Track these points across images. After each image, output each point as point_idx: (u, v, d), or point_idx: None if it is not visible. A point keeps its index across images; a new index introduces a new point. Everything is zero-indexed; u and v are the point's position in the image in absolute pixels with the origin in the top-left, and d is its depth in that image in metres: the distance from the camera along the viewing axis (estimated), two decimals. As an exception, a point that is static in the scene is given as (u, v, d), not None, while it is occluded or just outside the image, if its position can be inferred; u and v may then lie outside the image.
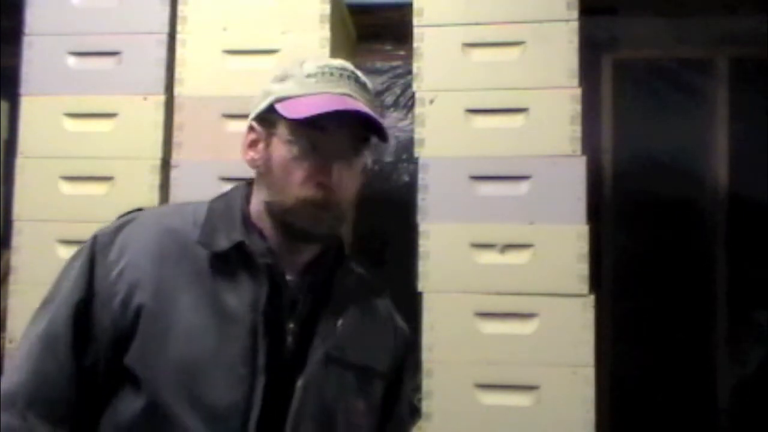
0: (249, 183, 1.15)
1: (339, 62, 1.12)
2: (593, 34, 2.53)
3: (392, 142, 2.97)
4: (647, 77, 2.85)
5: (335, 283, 1.12)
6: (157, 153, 2.11)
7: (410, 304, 2.04)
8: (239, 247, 1.06)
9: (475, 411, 1.93)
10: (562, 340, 1.93)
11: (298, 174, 1.06)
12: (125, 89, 2.14)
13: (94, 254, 1.06)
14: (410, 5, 2.11)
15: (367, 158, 1.12)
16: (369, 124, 1.08)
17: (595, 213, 2.18)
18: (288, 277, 1.08)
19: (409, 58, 2.17)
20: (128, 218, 1.10)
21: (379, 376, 1.15)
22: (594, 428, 1.89)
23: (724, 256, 2.74)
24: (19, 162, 2.16)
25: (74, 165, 2.14)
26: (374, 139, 1.11)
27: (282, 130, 1.08)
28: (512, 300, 1.96)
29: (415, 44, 2.09)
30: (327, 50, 2.09)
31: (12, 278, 2.11)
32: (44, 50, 2.19)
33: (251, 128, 1.13)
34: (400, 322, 1.25)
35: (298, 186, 1.06)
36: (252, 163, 1.12)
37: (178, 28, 2.15)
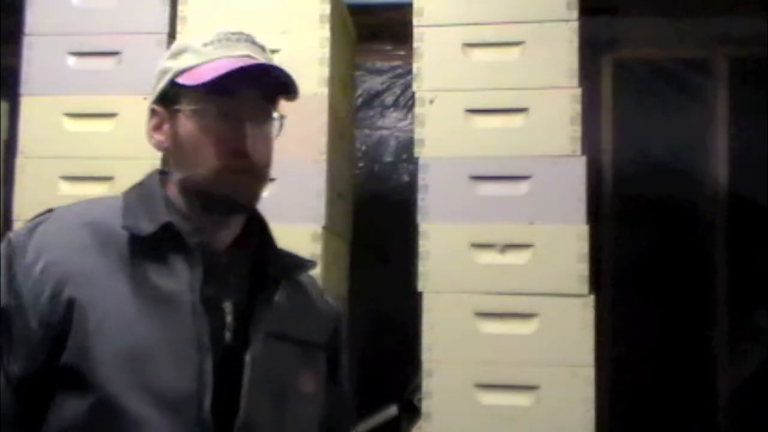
0: (161, 170, 1.13)
1: (234, 28, 1.09)
2: (593, 34, 2.53)
3: (392, 142, 2.98)
4: (647, 77, 2.86)
5: (265, 258, 1.10)
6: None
7: (410, 304, 2.04)
8: (167, 229, 1.02)
9: (475, 411, 1.93)
10: (561, 340, 1.93)
11: (211, 143, 1.03)
12: (125, 89, 2.14)
13: (10, 258, 1.01)
14: (410, 5, 2.11)
15: (280, 118, 1.09)
16: (275, 82, 1.06)
17: (595, 213, 2.19)
18: (221, 257, 1.06)
19: (409, 58, 2.17)
20: (41, 218, 1.05)
21: (320, 348, 1.14)
22: (594, 428, 1.89)
23: (724, 256, 2.74)
24: (19, 162, 2.16)
25: (74, 165, 2.14)
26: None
27: (187, 104, 1.05)
28: (512, 300, 1.96)
29: (415, 44, 2.09)
30: (327, 50, 2.09)
31: (12, 278, 2.10)
32: (44, 50, 2.19)
33: (153, 111, 1.09)
34: (330, 299, 1.25)
35: (212, 156, 1.03)
36: (160, 146, 1.09)
37: (178, 28, 2.15)
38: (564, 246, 1.96)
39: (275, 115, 1.09)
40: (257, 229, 1.13)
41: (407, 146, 2.70)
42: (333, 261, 2.15)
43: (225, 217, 1.08)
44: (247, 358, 1.00)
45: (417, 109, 2.08)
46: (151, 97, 1.10)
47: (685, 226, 2.78)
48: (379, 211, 2.79)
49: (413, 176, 2.23)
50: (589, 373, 1.91)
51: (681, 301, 2.74)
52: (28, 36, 2.20)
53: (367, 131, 2.98)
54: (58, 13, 2.21)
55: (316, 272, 1.98)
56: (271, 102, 1.09)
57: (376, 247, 2.73)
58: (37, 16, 2.21)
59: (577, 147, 1.99)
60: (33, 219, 1.06)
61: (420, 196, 2.03)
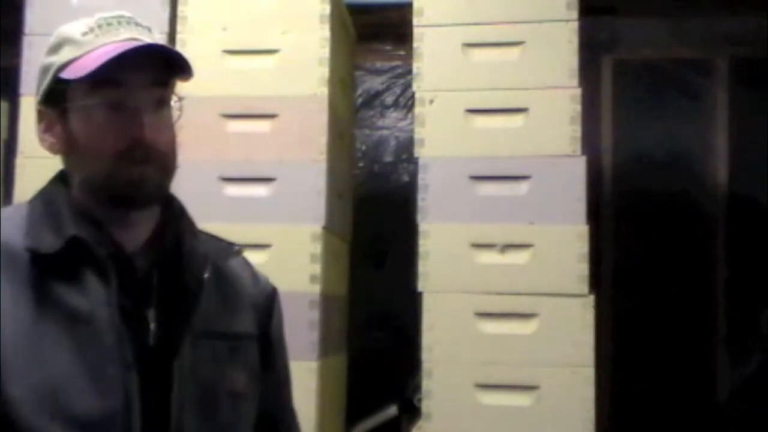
0: (63, 173, 1.05)
1: (114, 12, 1.03)
2: (593, 34, 2.54)
3: (392, 142, 2.98)
4: (647, 77, 2.86)
5: (185, 253, 1.02)
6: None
7: (411, 304, 2.04)
8: (74, 242, 0.94)
9: (475, 411, 1.93)
10: (562, 340, 1.93)
11: (107, 136, 0.96)
12: (125, 89, 2.13)
13: None
14: (410, 5, 2.11)
15: (177, 101, 1.02)
16: (166, 63, 0.99)
17: (595, 213, 2.19)
18: (135, 261, 0.99)
19: (409, 58, 2.17)
20: None
21: (250, 338, 1.08)
22: (594, 428, 1.89)
23: (724, 256, 2.74)
24: (19, 162, 2.16)
25: (74, 165, 2.13)
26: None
27: (75, 100, 0.98)
28: (512, 300, 1.96)
29: (415, 44, 2.09)
30: (327, 50, 2.09)
31: (12, 278, 2.10)
32: (44, 50, 2.18)
33: (40, 113, 1.02)
34: (262, 276, 1.16)
35: (110, 149, 0.96)
36: (53, 148, 1.03)
37: (178, 28, 2.15)
38: (564, 246, 1.96)
39: (173, 98, 1.02)
40: (176, 219, 1.05)
41: (407, 146, 2.70)
42: (333, 261, 2.15)
43: (135, 212, 1.00)
44: (175, 365, 0.95)
45: (417, 109, 2.08)
46: (37, 98, 1.03)
47: (685, 226, 2.78)
48: (379, 211, 2.79)
49: (413, 176, 2.23)
50: (589, 373, 1.90)
51: (681, 301, 2.74)
52: (28, 36, 2.20)
53: (367, 131, 2.98)
54: (58, 13, 2.20)
55: (316, 272, 2.00)
56: (166, 85, 1.01)
57: (377, 248, 2.73)
58: (37, 16, 2.21)
59: (577, 147, 1.99)
60: None
61: (420, 196, 2.03)
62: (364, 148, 2.97)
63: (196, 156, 2.08)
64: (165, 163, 0.99)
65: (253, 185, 2.01)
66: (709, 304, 2.73)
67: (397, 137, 2.96)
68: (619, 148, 2.81)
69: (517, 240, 1.98)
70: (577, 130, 2.00)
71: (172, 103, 1.02)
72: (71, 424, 0.89)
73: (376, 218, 2.73)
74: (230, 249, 1.10)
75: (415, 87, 2.09)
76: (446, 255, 2.00)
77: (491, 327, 1.96)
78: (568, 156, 1.99)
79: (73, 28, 1.01)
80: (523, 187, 2.00)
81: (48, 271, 0.94)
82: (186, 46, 2.13)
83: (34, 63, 2.17)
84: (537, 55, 2.03)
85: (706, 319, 2.73)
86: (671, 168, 2.79)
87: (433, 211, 2.02)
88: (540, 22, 2.04)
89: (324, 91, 2.07)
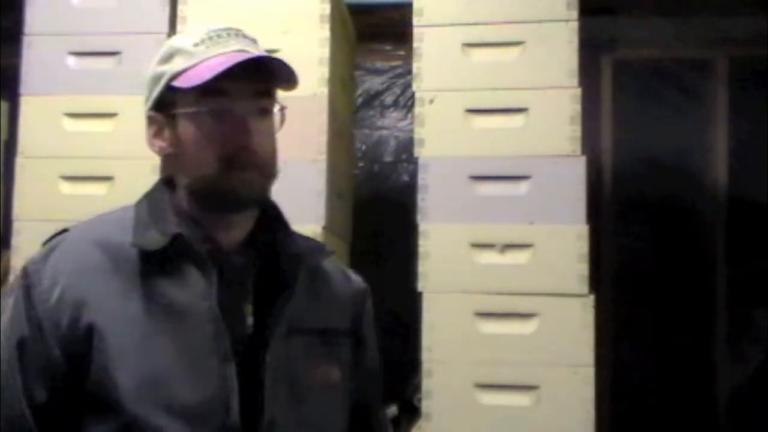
0: (168, 176, 1.10)
1: (222, 24, 1.08)
2: (593, 34, 2.53)
3: (392, 142, 2.98)
4: (647, 77, 2.86)
5: (281, 252, 1.08)
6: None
7: (411, 304, 2.04)
8: (177, 240, 1.01)
9: (475, 411, 1.93)
10: (561, 340, 1.93)
11: (213, 143, 1.02)
12: (125, 89, 2.13)
13: (28, 287, 1.01)
14: (410, 5, 2.11)
15: (281, 109, 1.08)
16: (270, 74, 1.04)
17: (595, 213, 2.19)
18: (233, 258, 1.05)
19: (409, 58, 2.17)
20: (54, 242, 1.05)
21: (343, 335, 1.13)
22: (593, 428, 1.89)
23: (724, 256, 2.74)
24: (19, 162, 2.16)
25: (74, 165, 2.14)
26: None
27: (185, 107, 1.03)
28: (512, 300, 1.96)
29: (415, 44, 2.09)
30: (327, 50, 2.09)
31: (12, 278, 2.10)
32: (44, 50, 2.19)
33: (150, 119, 1.08)
34: (354, 275, 1.22)
35: (215, 155, 1.02)
36: (162, 152, 1.08)
37: (179, 28, 2.15)
38: (564, 246, 1.96)
39: (276, 107, 1.08)
40: (272, 221, 1.11)
41: (407, 146, 2.70)
42: (333, 261, 2.15)
43: (236, 215, 1.06)
44: (268, 358, 1.00)
45: (417, 109, 2.08)
46: (147, 105, 1.09)
47: (684, 225, 2.78)
48: (379, 211, 2.80)
49: (413, 176, 2.23)
50: (589, 373, 1.91)
51: (681, 301, 2.74)
52: (28, 36, 2.20)
53: (366, 131, 2.98)
54: (58, 13, 2.21)
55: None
56: (270, 95, 1.07)
57: (376, 247, 2.73)
58: (37, 15, 2.21)
59: (577, 147, 1.99)
60: (47, 242, 1.07)
61: (420, 196, 2.03)
62: (364, 148, 2.97)
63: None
64: (267, 169, 1.06)
65: (253, 185, 2.01)
66: (709, 303, 2.73)
67: (396, 137, 2.96)
68: (619, 148, 2.81)
69: (517, 240, 1.98)
70: (576, 130, 2.00)
71: (275, 111, 1.08)
72: (172, 410, 0.95)
73: (376, 218, 2.73)
74: (323, 249, 1.16)
75: (414, 87, 2.09)
76: (446, 255, 2.00)
77: (491, 327, 1.96)
78: (568, 156, 1.99)
79: (185, 40, 1.07)
80: (522, 187, 2.00)
81: (153, 266, 1.01)
82: (186, 46, 2.14)
83: (34, 63, 2.20)
84: (537, 55, 2.04)
85: (705, 319, 2.72)
86: (671, 168, 2.79)
87: (432, 211, 2.02)
88: (540, 21, 2.04)
89: (324, 91, 2.08)
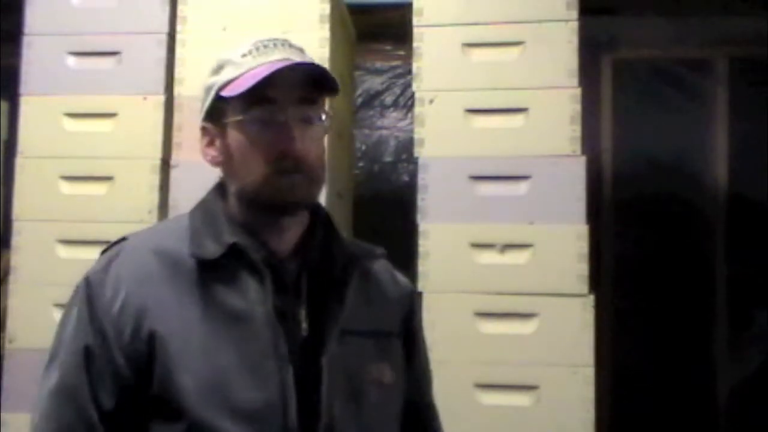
0: (220, 184, 1.14)
1: (270, 36, 1.12)
2: (593, 34, 2.53)
3: (392, 142, 2.98)
4: (647, 77, 2.86)
5: (332, 255, 1.12)
6: (157, 153, 2.11)
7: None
8: (232, 248, 1.05)
9: (475, 411, 1.93)
10: (561, 339, 1.93)
11: (258, 150, 1.05)
12: (125, 89, 2.14)
13: (91, 297, 1.04)
14: (410, 5, 2.11)
15: (326, 115, 1.11)
16: (315, 81, 1.08)
17: (594, 213, 2.19)
18: (286, 264, 1.08)
19: (408, 58, 2.17)
20: (114, 252, 1.09)
21: (394, 336, 1.16)
22: (593, 428, 1.89)
23: (724, 256, 2.74)
24: (19, 162, 2.16)
25: (74, 165, 2.14)
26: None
27: (232, 116, 1.07)
28: (512, 300, 1.96)
29: (414, 44, 2.09)
30: (327, 50, 2.09)
31: (12, 278, 2.11)
32: (44, 50, 2.19)
33: (204, 129, 1.12)
34: (401, 277, 1.25)
35: (261, 162, 1.05)
36: (214, 161, 1.12)
37: (178, 28, 2.15)
38: (564, 246, 1.96)
39: (322, 114, 1.10)
40: (321, 225, 1.14)
41: (407, 146, 2.70)
42: (333, 261, 2.15)
43: (286, 219, 1.09)
44: (323, 360, 1.03)
45: (417, 109, 2.08)
46: (200, 115, 1.13)
47: (684, 225, 2.78)
48: (379, 211, 2.79)
49: (413, 176, 2.23)
50: (589, 373, 1.91)
51: (681, 301, 2.74)
52: (27, 36, 2.20)
53: (366, 131, 2.98)
54: (58, 13, 2.21)
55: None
56: (315, 101, 1.10)
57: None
58: (36, 16, 2.21)
59: (577, 147, 1.99)
60: (105, 251, 1.10)
61: (420, 196, 2.03)
62: (363, 148, 2.97)
63: (195, 156, 2.07)
64: (313, 173, 1.08)
65: (253, 185, 2.02)
66: (709, 303, 2.73)
67: (396, 137, 2.96)
68: (619, 148, 2.81)
69: (516, 240, 1.98)
70: (576, 129, 2.00)
71: (323, 118, 1.10)
72: (234, 413, 0.98)
73: (376, 218, 2.73)
74: (373, 252, 1.20)
75: (414, 87, 2.09)
76: (446, 255, 2.00)
77: (491, 327, 1.96)
78: (568, 156, 1.99)
79: (234, 52, 1.10)
80: (522, 187, 2.00)
81: (210, 275, 1.04)
82: (186, 46, 2.14)
83: (34, 63, 2.20)
84: (537, 55, 2.03)
85: (705, 319, 2.72)
86: (671, 167, 2.79)
87: (432, 211, 2.02)
88: (540, 22, 2.04)
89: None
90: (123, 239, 1.11)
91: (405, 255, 2.14)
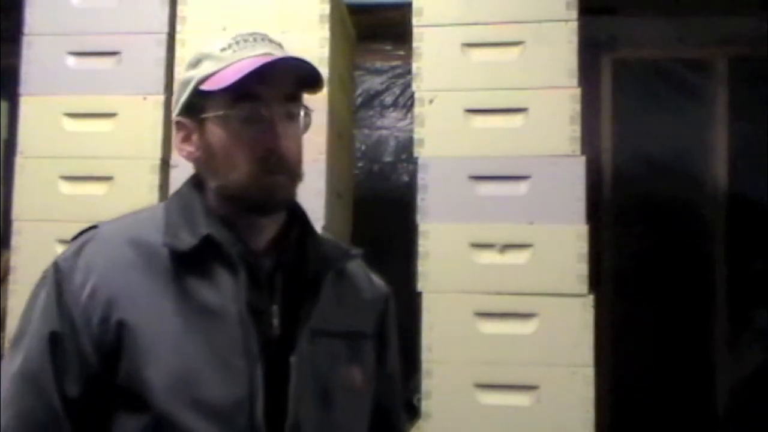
0: (196, 177, 1.11)
1: (250, 30, 1.09)
2: (593, 34, 2.53)
3: (392, 142, 2.98)
4: (647, 77, 2.86)
5: (308, 254, 1.09)
6: (157, 153, 2.11)
7: (410, 304, 2.04)
8: (207, 241, 1.02)
9: (474, 411, 1.93)
10: (561, 340, 1.93)
11: (242, 147, 1.03)
12: (125, 89, 2.14)
13: (60, 282, 1.02)
14: (410, 5, 2.11)
15: (306, 113, 1.09)
16: (297, 77, 1.06)
17: (594, 213, 2.19)
18: (261, 260, 1.06)
19: (408, 57, 2.17)
20: (86, 238, 1.06)
21: (367, 338, 1.15)
22: (593, 428, 1.89)
23: (724, 256, 2.74)
24: (19, 162, 2.16)
25: (74, 165, 2.14)
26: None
27: (213, 111, 1.04)
28: (512, 300, 1.96)
29: (414, 44, 2.09)
30: (326, 50, 2.09)
31: (12, 278, 2.11)
32: (44, 50, 2.19)
33: (179, 124, 1.09)
34: (377, 279, 1.23)
35: (245, 160, 1.03)
36: (190, 156, 1.09)
37: (178, 28, 2.15)
38: (563, 246, 1.96)
39: (302, 111, 1.08)
40: (298, 223, 1.12)
41: (407, 146, 2.70)
42: (333, 261, 2.15)
43: (265, 218, 1.07)
44: (293, 360, 1.01)
45: (416, 109, 2.08)
46: (176, 110, 1.10)
47: (684, 225, 2.78)
48: (378, 211, 2.79)
49: (413, 176, 2.23)
50: (588, 373, 1.91)
51: (680, 301, 2.74)
52: (27, 36, 2.20)
53: (366, 131, 2.98)
54: (58, 13, 2.21)
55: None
56: (297, 98, 1.08)
57: (376, 247, 2.72)
58: (36, 15, 2.21)
59: (577, 147, 1.99)
60: (76, 237, 1.07)
61: (419, 196, 2.03)
62: (363, 148, 2.97)
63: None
64: (295, 172, 1.06)
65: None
66: (709, 303, 2.73)
67: (396, 137, 2.96)
68: (619, 148, 2.81)
69: (516, 240, 1.98)
70: (576, 129, 2.00)
71: (301, 114, 1.08)
72: (201, 409, 0.96)
73: (375, 218, 2.73)
74: (349, 252, 1.17)
75: (414, 87, 2.09)
76: (446, 255, 2.00)
77: (491, 327, 1.96)
78: (568, 156, 1.99)
79: (213, 45, 1.08)
80: (522, 187, 2.00)
81: (183, 266, 1.02)
82: (185, 46, 2.14)
83: (34, 63, 2.20)
84: (536, 54, 2.03)
85: (705, 319, 2.72)
86: (671, 168, 2.79)
87: (432, 211, 2.02)
88: (539, 21, 2.04)
89: (323, 90, 2.07)
90: (94, 227, 1.08)
91: (404, 255, 2.14)
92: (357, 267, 1.20)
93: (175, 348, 0.98)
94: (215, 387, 0.98)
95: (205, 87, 1.04)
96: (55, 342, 0.99)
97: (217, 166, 1.06)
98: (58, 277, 1.02)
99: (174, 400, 0.96)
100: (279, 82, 1.04)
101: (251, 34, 1.08)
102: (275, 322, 1.03)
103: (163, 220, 1.06)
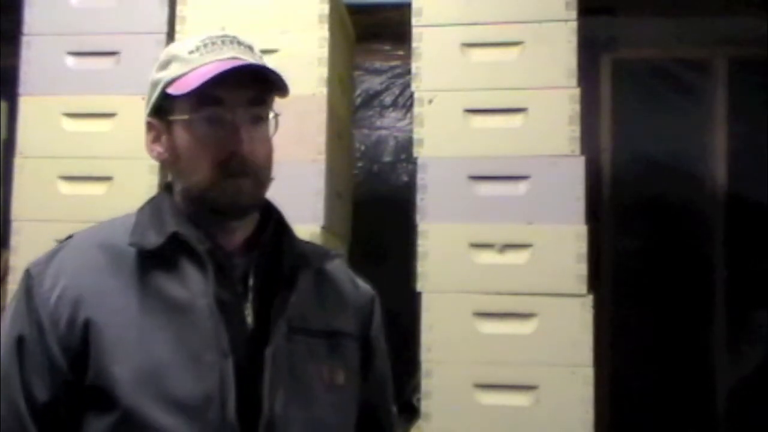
0: (168, 183, 1.12)
1: (219, 32, 1.09)
2: (592, 34, 2.53)
3: (391, 142, 2.98)
4: (646, 77, 2.86)
5: (283, 254, 1.09)
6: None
7: (410, 304, 2.04)
8: (175, 239, 1.03)
9: (474, 411, 1.93)
10: (560, 340, 1.93)
11: (206, 151, 1.03)
12: (124, 89, 2.14)
13: (30, 288, 1.03)
14: (409, 5, 2.11)
15: (274, 116, 1.09)
16: (264, 81, 1.05)
17: (593, 213, 2.19)
18: (233, 258, 1.06)
19: (408, 58, 2.17)
20: (59, 246, 1.08)
21: (350, 338, 1.14)
22: (592, 428, 1.89)
23: (723, 256, 2.74)
24: (18, 162, 2.16)
25: (73, 165, 2.14)
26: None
27: (179, 114, 1.05)
28: (511, 300, 1.96)
29: (414, 44, 2.09)
30: (326, 50, 2.09)
31: (11, 278, 2.11)
32: (43, 50, 2.19)
33: (149, 124, 1.10)
34: (361, 282, 1.23)
35: (208, 163, 1.03)
36: (160, 157, 1.09)
37: (177, 28, 2.15)
38: (563, 246, 1.96)
39: (270, 114, 1.08)
40: (274, 224, 1.12)
41: (406, 146, 2.70)
42: (332, 261, 2.15)
43: (232, 222, 1.07)
44: (267, 354, 1.01)
45: (416, 109, 2.08)
46: (146, 110, 1.10)
47: (683, 225, 2.78)
48: (378, 211, 2.79)
49: (412, 176, 2.23)
50: (588, 373, 1.91)
51: (680, 301, 2.74)
52: (26, 36, 2.20)
53: (366, 131, 2.98)
54: (57, 13, 2.21)
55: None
56: (264, 101, 1.07)
57: (375, 247, 2.73)
58: (35, 16, 2.21)
59: (576, 147, 1.99)
60: (54, 248, 1.08)
61: (419, 196, 2.03)
62: (363, 148, 2.97)
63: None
64: (260, 175, 1.06)
65: (252, 185, 2.01)
66: (708, 304, 2.73)
67: (396, 137, 2.96)
68: (618, 148, 2.81)
69: (515, 240, 1.98)
70: (576, 130, 2.00)
71: (270, 118, 1.08)
72: (169, 404, 0.96)
73: (375, 218, 2.73)
74: (328, 253, 1.19)
75: (413, 87, 2.09)
76: (445, 255, 2.00)
77: (490, 327, 1.96)
78: (567, 156, 1.99)
79: (182, 47, 1.08)
80: (521, 187, 2.00)
81: (151, 265, 1.03)
82: (185, 46, 2.13)
83: (34, 63, 2.20)
84: (536, 55, 2.03)
85: (704, 320, 2.72)
86: (670, 168, 2.79)
87: (431, 211, 2.02)
88: (539, 21, 2.04)
89: (323, 90, 2.08)
90: (70, 237, 1.09)
91: (404, 255, 2.14)
92: (340, 269, 1.20)
93: (141, 343, 0.98)
94: (184, 381, 0.97)
95: (170, 91, 1.04)
96: (21, 346, 1.00)
97: (182, 169, 1.07)
98: (28, 283, 1.04)
99: (141, 395, 0.96)
100: (243, 86, 1.04)
101: (220, 37, 1.07)
102: (249, 319, 1.03)
103: (133, 224, 1.07)
